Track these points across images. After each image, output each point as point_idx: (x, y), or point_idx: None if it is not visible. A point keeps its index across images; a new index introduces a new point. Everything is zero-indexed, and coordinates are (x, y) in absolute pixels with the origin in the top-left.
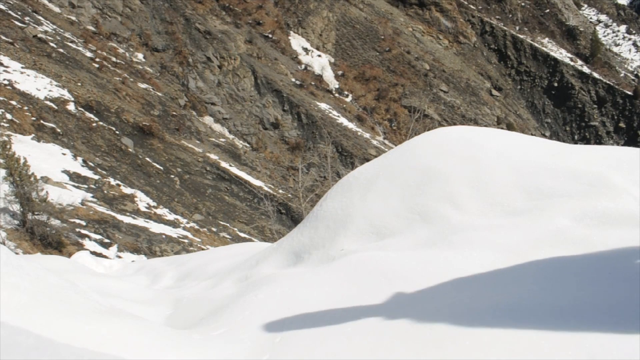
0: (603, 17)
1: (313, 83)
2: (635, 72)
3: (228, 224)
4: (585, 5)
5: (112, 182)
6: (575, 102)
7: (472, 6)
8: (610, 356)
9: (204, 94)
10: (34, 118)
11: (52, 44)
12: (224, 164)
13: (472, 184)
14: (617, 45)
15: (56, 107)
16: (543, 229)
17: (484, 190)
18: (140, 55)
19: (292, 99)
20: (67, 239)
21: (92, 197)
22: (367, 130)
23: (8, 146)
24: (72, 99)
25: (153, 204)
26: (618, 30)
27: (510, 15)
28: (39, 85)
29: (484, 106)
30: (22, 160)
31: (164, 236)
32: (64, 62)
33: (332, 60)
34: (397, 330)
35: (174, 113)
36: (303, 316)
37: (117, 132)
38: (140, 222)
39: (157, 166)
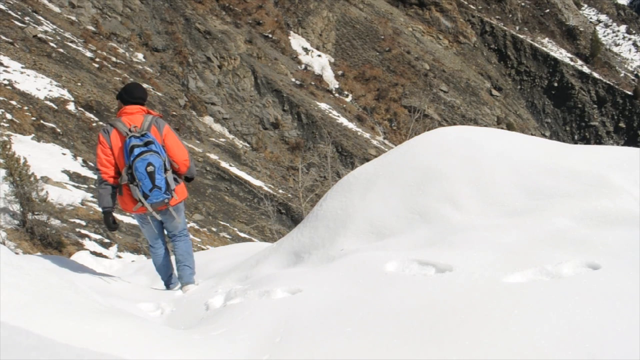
0: (603, 17)
1: (313, 83)
2: (635, 72)
3: (228, 224)
4: (585, 5)
5: None
6: (575, 102)
7: (472, 6)
8: (610, 356)
9: (204, 94)
10: (34, 118)
11: (52, 44)
12: (224, 164)
13: (472, 184)
14: (617, 45)
15: (56, 107)
16: (543, 229)
17: (484, 190)
18: (140, 55)
19: (292, 99)
20: (67, 239)
21: (92, 197)
22: (367, 130)
23: (8, 146)
24: (72, 99)
25: None
26: (618, 30)
27: (510, 15)
28: (39, 85)
29: (484, 106)
30: (22, 160)
31: None
32: (64, 62)
33: (332, 60)
34: (397, 330)
35: (174, 113)
36: (303, 316)
37: None
38: None
39: None
